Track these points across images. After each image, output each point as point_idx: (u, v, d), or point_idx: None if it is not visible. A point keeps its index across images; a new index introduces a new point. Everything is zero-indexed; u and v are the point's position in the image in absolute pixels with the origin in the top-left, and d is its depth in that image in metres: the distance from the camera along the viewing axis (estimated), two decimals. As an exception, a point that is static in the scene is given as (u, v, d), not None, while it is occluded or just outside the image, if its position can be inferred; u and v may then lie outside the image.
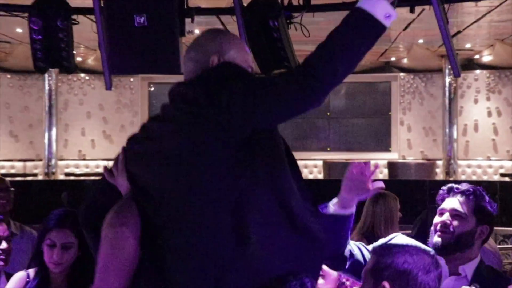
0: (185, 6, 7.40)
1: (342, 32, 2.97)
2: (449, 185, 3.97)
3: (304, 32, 7.72)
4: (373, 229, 6.82)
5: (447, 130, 18.72)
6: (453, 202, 3.88)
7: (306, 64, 2.96)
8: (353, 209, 3.60)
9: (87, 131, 19.83)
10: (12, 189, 6.61)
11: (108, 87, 7.84)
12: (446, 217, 3.83)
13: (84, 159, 19.73)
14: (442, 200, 3.94)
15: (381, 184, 3.61)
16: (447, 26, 7.56)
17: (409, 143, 19.61)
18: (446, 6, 7.59)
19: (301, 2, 7.60)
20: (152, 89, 20.27)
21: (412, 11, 7.63)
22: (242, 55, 3.32)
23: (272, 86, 3.02)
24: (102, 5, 7.26)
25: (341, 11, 7.99)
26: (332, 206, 3.60)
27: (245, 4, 7.55)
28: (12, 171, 18.90)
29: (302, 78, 2.94)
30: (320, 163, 19.15)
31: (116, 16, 7.04)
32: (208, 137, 3.01)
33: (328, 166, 18.64)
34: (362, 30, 2.96)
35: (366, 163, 3.62)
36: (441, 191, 3.98)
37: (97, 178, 17.40)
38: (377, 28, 2.94)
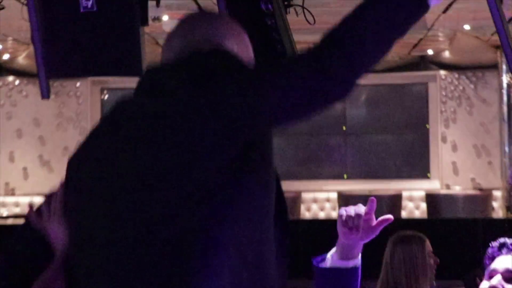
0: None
1: (374, 5, 2.90)
2: (501, 240, 4.00)
3: (308, 18, 7.79)
4: (396, 286, 6.69)
5: (506, 149, 18.76)
6: (507, 261, 3.90)
7: (326, 37, 2.85)
8: (357, 260, 3.67)
9: (17, 156, 19.85)
10: None
11: (45, 95, 7.89)
12: (497, 280, 3.86)
13: (13, 195, 19.74)
14: (492, 258, 3.96)
15: (388, 216, 3.65)
16: (500, 6, 7.63)
17: (454, 167, 19.68)
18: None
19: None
20: (106, 96, 20.34)
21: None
22: (243, 47, 3.30)
23: (282, 73, 2.93)
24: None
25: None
26: (330, 257, 3.63)
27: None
28: None
29: (323, 52, 2.85)
30: (335, 195, 19.25)
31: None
32: (188, 153, 2.94)
33: (344, 199, 18.64)
34: (401, 6, 2.89)
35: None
36: (490, 248, 4.01)
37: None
38: (420, 6, 2.90)
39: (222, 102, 2.90)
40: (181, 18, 3.42)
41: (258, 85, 2.93)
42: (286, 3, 7.71)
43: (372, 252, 4.69)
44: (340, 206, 18.59)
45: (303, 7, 7.74)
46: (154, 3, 7.68)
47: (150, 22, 7.90)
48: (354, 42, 2.82)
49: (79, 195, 3.18)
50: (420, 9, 2.87)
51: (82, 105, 19.91)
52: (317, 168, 20.24)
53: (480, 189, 18.96)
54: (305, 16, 7.76)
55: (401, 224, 16.17)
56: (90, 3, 6.96)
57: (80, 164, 3.22)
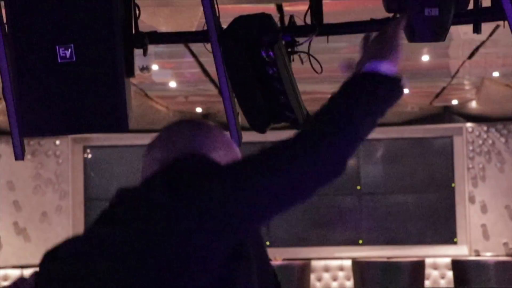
0: (134, 31, 7.47)
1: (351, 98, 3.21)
2: None
3: (314, 66, 7.78)
4: None
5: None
6: None
7: (311, 119, 3.16)
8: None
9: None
10: None
11: (19, 155, 7.89)
12: None
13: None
14: None
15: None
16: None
17: (484, 230, 19.65)
18: None
19: (308, 21, 7.67)
20: (89, 156, 20.36)
21: (476, 30, 7.74)
22: (232, 155, 3.40)
23: (270, 170, 3.03)
24: (6, 29, 7.33)
25: (369, 31, 8.14)
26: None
27: (224, 25, 7.62)
28: None
29: (312, 131, 3.10)
30: (349, 263, 19.18)
31: (29, 46, 7.11)
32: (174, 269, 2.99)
33: (360, 268, 18.68)
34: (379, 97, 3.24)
35: None
36: None
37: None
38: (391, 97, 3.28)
39: (203, 211, 2.97)
40: (163, 128, 3.56)
41: (243, 189, 3.00)
42: (289, 50, 7.67)
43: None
44: (354, 275, 18.59)
45: (309, 54, 7.71)
46: (141, 51, 7.64)
47: (137, 72, 7.88)
48: (342, 115, 3.12)
49: None
50: (398, 93, 3.27)
51: (62, 165, 19.93)
52: (328, 232, 20.24)
53: (513, 256, 18.95)
54: (311, 64, 7.74)
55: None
56: (68, 52, 6.94)
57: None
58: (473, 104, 19.21)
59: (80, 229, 19.86)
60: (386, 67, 3.29)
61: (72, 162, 19.93)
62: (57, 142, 19.54)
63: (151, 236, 2.99)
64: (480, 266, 18.48)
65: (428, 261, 18.94)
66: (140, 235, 3.02)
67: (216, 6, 7.42)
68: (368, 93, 3.23)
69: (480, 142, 19.68)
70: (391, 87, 3.31)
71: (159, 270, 2.95)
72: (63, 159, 19.91)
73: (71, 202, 19.89)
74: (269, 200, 3.02)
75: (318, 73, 7.79)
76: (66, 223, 19.80)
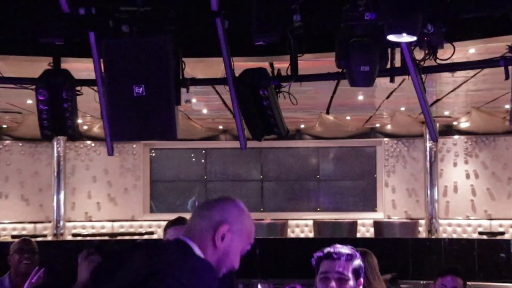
0: (181, 77, 7.33)
1: None
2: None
3: (292, 100, 7.65)
4: None
5: (428, 191, 18.67)
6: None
7: None
8: None
9: (93, 194, 19.74)
10: (37, 250, 6.53)
11: (110, 153, 7.78)
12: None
13: (90, 221, 19.59)
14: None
15: None
16: (425, 95, 7.55)
17: (393, 203, 19.54)
18: (423, 76, 7.56)
19: (289, 73, 7.54)
20: (153, 154, 20.22)
21: (392, 80, 7.61)
22: (249, 232, 3.04)
23: None
24: (103, 76, 7.21)
25: (327, 80, 8.03)
26: None
27: (237, 75, 7.50)
28: (23, 232, 18.79)
29: None
30: (311, 222, 19.01)
31: (116, 86, 6.96)
32: None
33: (318, 225, 18.54)
34: None
35: None
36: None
37: (103, 238, 17.37)
38: None
39: None
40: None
41: None
42: (277, 90, 7.57)
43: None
44: (314, 229, 18.45)
45: (289, 93, 7.60)
46: (185, 90, 7.53)
47: (182, 103, 7.74)
48: None
49: None
50: None
51: (137, 160, 19.78)
52: (299, 204, 20.07)
53: (410, 219, 18.81)
54: (290, 99, 7.62)
55: (356, 243, 15.90)
56: (140, 89, 6.81)
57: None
58: (388, 127, 19.10)
59: (146, 199, 19.76)
60: None
61: (143, 158, 19.78)
62: (134, 145, 19.40)
63: None
64: (390, 224, 18.39)
65: (359, 221, 18.80)
66: None
67: (232, 63, 7.29)
68: None
69: (392, 150, 19.58)
70: None
71: None
72: (137, 156, 19.74)
73: (142, 182, 19.74)
74: None
75: (294, 105, 7.68)
76: (139, 195, 19.65)
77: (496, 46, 8.13)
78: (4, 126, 18.98)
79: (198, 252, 2.85)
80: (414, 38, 5.87)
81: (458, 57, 7.47)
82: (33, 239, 6.98)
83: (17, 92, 9.73)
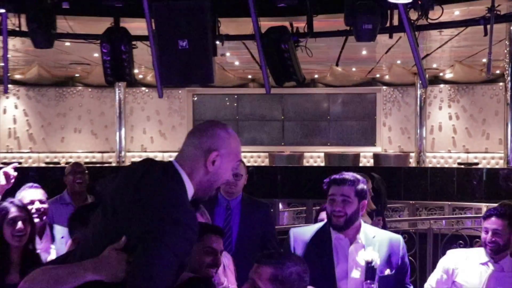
0: (217, 33, 7.25)
1: None
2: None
3: (308, 53, 7.55)
4: None
5: (418, 130, 18.62)
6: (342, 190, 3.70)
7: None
8: None
9: (147, 130, 19.82)
10: (87, 171, 6.55)
11: (160, 96, 7.73)
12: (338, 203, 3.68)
13: (145, 151, 19.72)
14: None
15: None
16: (418, 49, 7.42)
17: (389, 139, 19.47)
18: (417, 33, 7.43)
19: (306, 30, 7.43)
20: (195, 98, 20.17)
21: (390, 37, 7.47)
22: (236, 153, 2.78)
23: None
24: (154, 33, 7.14)
25: (336, 36, 7.89)
26: None
27: (263, 32, 7.39)
28: (93, 160, 19.22)
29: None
30: (322, 154, 18.97)
31: (164, 41, 6.92)
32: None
33: (328, 156, 18.52)
34: None
35: None
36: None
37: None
38: None
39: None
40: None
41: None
42: (295, 44, 7.47)
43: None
44: (325, 160, 18.45)
45: (306, 47, 7.51)
46: (221, 44, 7.47)
47: (218, 55, 7.68)
48: None
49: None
50: None
51: (182, 103, 19.77)
52: (313, 139, 20.04)
53: (403, 152, 18.73)
54: (306, 52, 7.52)
55: (358, 171, 15.89)
56: (184, 43, 6.76)
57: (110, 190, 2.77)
58: (387, 77, 18.93)
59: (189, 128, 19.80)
60: None
61: (186, 101, 19.75)
62: (180, 91, 19.37)
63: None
64: (386, 156, 18.30)
65: (361, 154, 18.76)
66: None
67: (259, 22, 7.19)
68: None
69: (389, 96, 19.43)
70: None
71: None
72: (182, 100, 19.73)
73: (186, 121, 19.75)
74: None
75: (310, 57, 7.59)
76: (184, 131, 19.43)
77: (476, 9, 8.00)
78: (77, 75, 19.13)
79: (184, 177, 2.66)
80: (410, 0, 5.78)
81: (445, 18, 7.31)
82: (99, 165, 7.01)
83: (86, 46, 9.74)
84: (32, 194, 4.58)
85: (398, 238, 3.84)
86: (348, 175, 3.76)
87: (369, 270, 3.58)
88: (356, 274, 3.65)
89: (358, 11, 6.60)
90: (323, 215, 4.58)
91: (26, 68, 17.86)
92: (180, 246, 2.53)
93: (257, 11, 7.17)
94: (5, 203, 4.06)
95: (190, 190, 2.69)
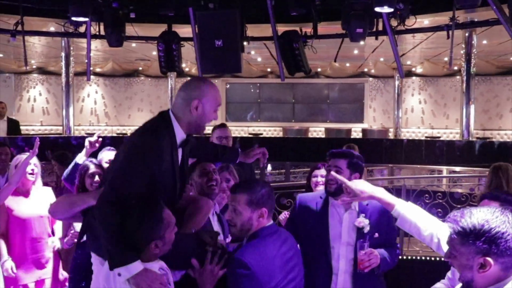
0: (244, 35, 7.16)
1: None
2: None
3: (313, 51, 7.44)
4: None
5: (395, 111, 18.33)
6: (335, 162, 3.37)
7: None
8: None
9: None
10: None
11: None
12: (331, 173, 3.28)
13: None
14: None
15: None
16: (397, 49, 7.30)
17: (374, 118, 19.19)
18: (396, 36, 7.30)
19: (312, 33, 7.31)
20: (228, 86, 20.02)
21: (376, 39, 7.35)
22: (215, 98, 2.76)
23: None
24: (197, 35, 7.06)
25: (335, 38, 7.76)
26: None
27: (279, 34, 7.28)
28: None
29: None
30: (323, 129, 18.80)
31: (204, 41, 6.85)
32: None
33: (327, 131, 18.40)
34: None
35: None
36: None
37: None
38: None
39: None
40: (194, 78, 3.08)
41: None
42: (304, 44, 7.35)
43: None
44: (325, 133, 18.31)
45: (312, 46, 7.39)
46: (247, 43, 7.37)
47: (245, 53, 7.59)
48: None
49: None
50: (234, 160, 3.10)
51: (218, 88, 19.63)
52: (316, 117, 19.79)
53: (384, 128, 18.52)
54: (312, 50, 7.40)
55: (349, 141, 15.86)
56: (220, 42, 6.69)
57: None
58: (372, 71, 18.63)
59: (223, 113, 19.68)
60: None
61: (221, 88, 19.50)
62: (216, 80, 19.14)
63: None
64: (371, 131, 18.10)
65: (353, 129, 18.57)
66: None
67: (276, 27, 7.08)
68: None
69: (374, 85, 19.12)
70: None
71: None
72: (218, 86, 19.45)
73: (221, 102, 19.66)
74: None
75: (314, 54, 7.47)
76: (219, 111, 19.55)
77: (441, 19, 7.86)
78: (140, 68, 19.07)
79: (173, 121, 2.69)
80: (391, 10, 5.66)
81: (417, 25, 7.17)
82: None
83: (147, 46, 9.70)
84: (109, 155, 4.61)
85: None
86: (345, 150, 3.50)
87: (360, 233, 3.31)
88: (348, 236, 3.34)
89: (351, 19, 6.49)
90: (316, 172, 4.42)
91: (104, 63, 17.90)
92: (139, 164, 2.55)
93: (275, 19, 7.08)
94: (87, 162, 4.20)
95: (178, 130, 2.70)
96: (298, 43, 7.13)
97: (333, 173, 3.14)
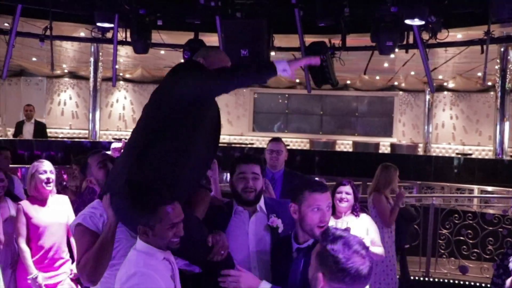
0: (271, 45, 7.05)
1: (256, 67, 2.97)
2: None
3: (340, 63, 7.28)
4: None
5: (425, 126, 18.00)
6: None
7: (226, 73, 2.94)
8: None
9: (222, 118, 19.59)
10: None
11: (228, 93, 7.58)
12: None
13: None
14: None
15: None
16: (428, 63, 7.11)
17: (403, 132, 18.89)
18: (427, 50, 7.11)
19: (340, 45, 7.16)
20: (256, 95, 19.90)
21: (407, 52, 7.17)
22: (221, 58, 3.16)
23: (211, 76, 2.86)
24: (224, 43, 6.98)
25: (364, 51, 7.59)
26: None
27: (306, 45, 7.15)
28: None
29: (221, 79, 2.88)
30: (351, 142, 18.59)
31: (230, 50, 6.75)
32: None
33: (355, 144, 18.18)
34: (264, 70, 2.93)
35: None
36: None
37: (222, 145, 17.31)
38: (272, 73, 2.86)
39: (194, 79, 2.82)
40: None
41: (209, 78, 2.83)
42: (332, 56, 7.20)
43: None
44: (353, 147, 18.08)
45: (340, 58, 7.23)
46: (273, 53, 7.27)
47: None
48: (233, 80, 2.92)
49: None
50: (273, 74, 2.88)
51: (245, 99, 19.48)
52: (344, 130, 19.55)
53: (413, 143, 18.21)
54: (340, 62, 7.25)
55: (378, 156, 15.59)
56: (245, 52, 6.59)
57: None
58: (403, 84, 18.38)
59: (250, 123, 19.59)
60: (281, 65, 2.84)
61: (249, 97, 19.51)
62: (244, 90, 19.06)
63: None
64: (400, 145, 17.82)
65: (381, 143, 18.31)
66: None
67: (303, 37, 6.96)
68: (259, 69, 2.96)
69: (404, 99, 18.85)
70: (269, 72, 2.89)
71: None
72: (246, 96, 19.34)
73: (248, 112, 19.50)
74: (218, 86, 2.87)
75: (342, 66, 7.30)
76: (246, 120, 19.52)
77: (475, 33, 7.63)
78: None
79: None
80: (422, 22, 5.48)
81: (450, 39, 6.97)
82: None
83: (175, 53, 9.67)
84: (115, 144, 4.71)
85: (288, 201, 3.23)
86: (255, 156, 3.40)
87: (275, 235, 3.03)
88: (264, 242, 3.04)
89: (381, 31, 6.33)
90: (341, 188, 4.52)
91: (133, 69, 18.01)
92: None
93: (303, 29, 6.95)
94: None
95: None
96: (326, 55, 6.98)
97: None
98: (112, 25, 6.81)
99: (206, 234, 2.68)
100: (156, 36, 8.01)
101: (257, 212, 3.13)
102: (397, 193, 5.65)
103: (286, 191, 4.99)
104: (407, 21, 5.40)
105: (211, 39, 7.97)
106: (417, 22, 5.48)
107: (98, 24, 6.55)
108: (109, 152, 4.24)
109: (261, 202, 3.16)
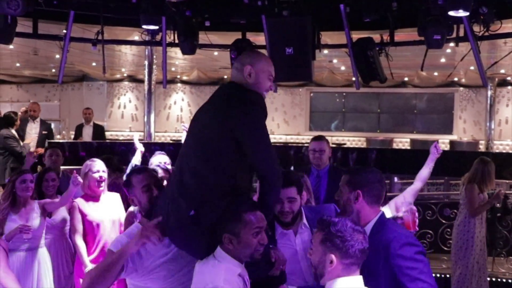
0: (316, 42, 6.96)
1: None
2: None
3: (388, 59, 7.11)
4: None
5: (488, 123, 17.39)
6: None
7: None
8: None
9: (275, 118, 19.29)
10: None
11: (275, 90, 7.54)
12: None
13: (272, 134, 19.35)
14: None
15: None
16: (479, 56, 6.85)
17: (464, 129, 18.32)
18: (487, 43, 6.84)
19: (388, 40, 6.99)
20: (312, 95, 19.78)
21: (457, 45, 6.91)
22: (267, 66, 2.92)
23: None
24: (268, 42, 6.95)
25: (411, 45, 7.36)
26: None
27: (354, 41, 7.02)
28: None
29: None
30: (409, 140, 18.21)
31: (275, 48, 6.73)
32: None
33: (413, 142, 17.80)
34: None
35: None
36: None
37: (277, 144, 17.25)
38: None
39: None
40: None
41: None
42: (379, 51, 7.03)
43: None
44: (411, 145, 17.68)
45: (387, 53, 7.06)
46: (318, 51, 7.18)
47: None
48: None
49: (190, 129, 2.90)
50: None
51: (302, 98, 19.38)
52: (402, 128, 19.17)
53: (475, 140, 17.64)
54: (387, 58, 7.08)
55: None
56: (290, 50, 6.55)
57: (195, 116, 2.91)
58: (463, 80, 17.79)
59: (307, 122, 19.45)
60: None
61: (305, 97, 19.40)
62: (300, 89, 19.02)
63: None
64: (461, 143, 17.37)
65: (440, 140, 17.74)
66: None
67: (350, 33, 6.85)
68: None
69: (465, 95, 18.29)
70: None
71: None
72: (302, 96, 19.24)
73: (305, 112, 19.36)
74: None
75: (391, 61, 7.13)
76: (303, 120, 19.31)
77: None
78: (225, 76, 19.10)
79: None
80: (467, 13, 5.27)
81: (504, 30, 6.66)
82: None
83: (227, 54, 9.74)
84: (159, 158, 4.81)
85: (331, 206, 3.28)
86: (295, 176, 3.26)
87: None
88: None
89: (429, 25, 6.13)
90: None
91: (190, 71, 18.27)
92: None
93: (349, 26, 6.84)
94: (154, 166, 4.31)
95: None
96: (373, 51, 6.83)
97: None
98: (157, 27, 6.92)
99: (268, 249, 2.66)
100: (203, 37, 8.07)
101: (301, 229, 3.14)
102: (497, 191, 6.08)
103: (332, 188, 4.94)
104: (451, 13, 5.18)
105: (258, 39, 7.96)
106: (461, 13, 5.24)
107: (144, 26, 6.66)
108: (152, 166, 4.25)
109: (304, 219, 3.16)
